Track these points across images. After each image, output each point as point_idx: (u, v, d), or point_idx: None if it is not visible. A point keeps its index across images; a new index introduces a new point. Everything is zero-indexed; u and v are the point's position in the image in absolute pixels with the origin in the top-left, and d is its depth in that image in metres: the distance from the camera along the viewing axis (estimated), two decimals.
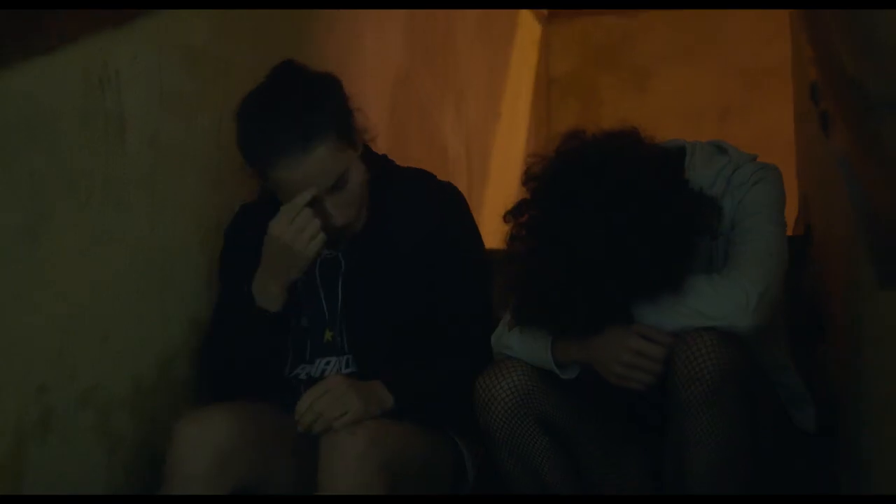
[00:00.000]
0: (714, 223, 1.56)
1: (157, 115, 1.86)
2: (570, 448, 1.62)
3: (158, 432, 1.79)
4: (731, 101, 4.47)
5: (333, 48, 2.59)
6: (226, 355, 1.80)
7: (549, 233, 1.51)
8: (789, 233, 2.68)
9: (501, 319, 1.71)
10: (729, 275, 1.54)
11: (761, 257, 1.56)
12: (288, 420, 1.71)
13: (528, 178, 1.58)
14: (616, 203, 1.46)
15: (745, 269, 1.54)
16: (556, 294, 1.50)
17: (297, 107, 1.72)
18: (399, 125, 3.14)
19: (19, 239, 1.55)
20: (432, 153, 3.39)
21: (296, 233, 1.70)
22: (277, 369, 1.84)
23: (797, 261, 2.43)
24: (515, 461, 1.60)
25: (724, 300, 1.50)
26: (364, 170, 1.80)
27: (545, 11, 4.81)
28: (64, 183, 1.64)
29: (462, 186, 2.19)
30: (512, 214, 1.58)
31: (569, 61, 4.88)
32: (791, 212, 2.56)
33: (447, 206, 1.87)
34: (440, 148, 3.51)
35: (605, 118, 1.74)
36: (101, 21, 1.70)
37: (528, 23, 4.60)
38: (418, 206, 1.85)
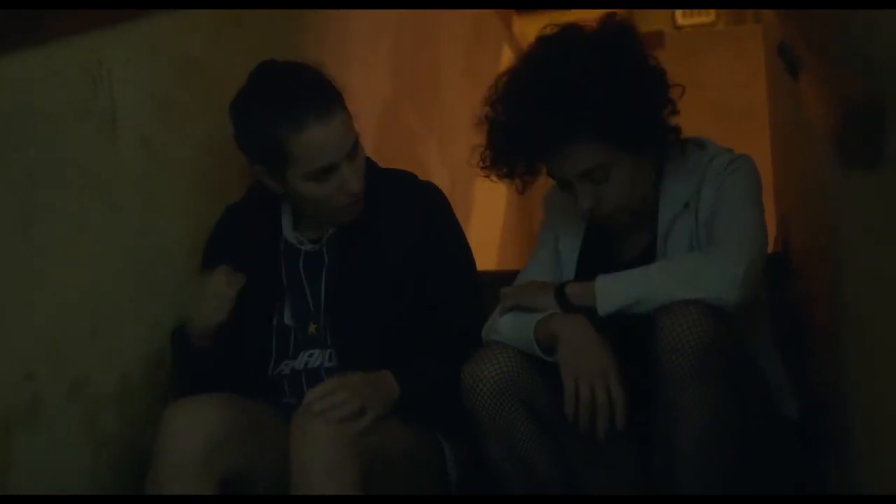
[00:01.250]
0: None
1: (150, 118, 1.90)
2: (556, 434, 1.63)
3: (145, 433, 1.79)
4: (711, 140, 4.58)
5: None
6: (199, 366, 1.82)
7: (515, 67, 1.66)
8: (771, 250, 2.73)
9: (493, 313, 1.73)
10: (715, 251, 1.58)
11: (744, 235, 1.60)
12: (274, 413, 1.72)
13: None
14: (581, 41, 1.62)
15: (730, 246, 1.58)
16: (515, 114, 1.62)
17: (313, 76, 1.80)
18: (385, 157, 3.17)
19: (13, 228, 1.57)
20: None
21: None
22: (261, 369, 1.85)
23: (779, 275, 2.49)
24: (502, 446, 1.60)
25: (712, 272, 1.53)
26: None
27: None
28: (57, 176, 1.66)
29: None
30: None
31: None
32: (771, 232, 2.62)
33: (430, 201, 1.92)
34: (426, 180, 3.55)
35: None
36: (97, 20, 1.74)
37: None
38: (402, 201, 1.89)
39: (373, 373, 1.72)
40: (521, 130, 1.63)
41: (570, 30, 1.67)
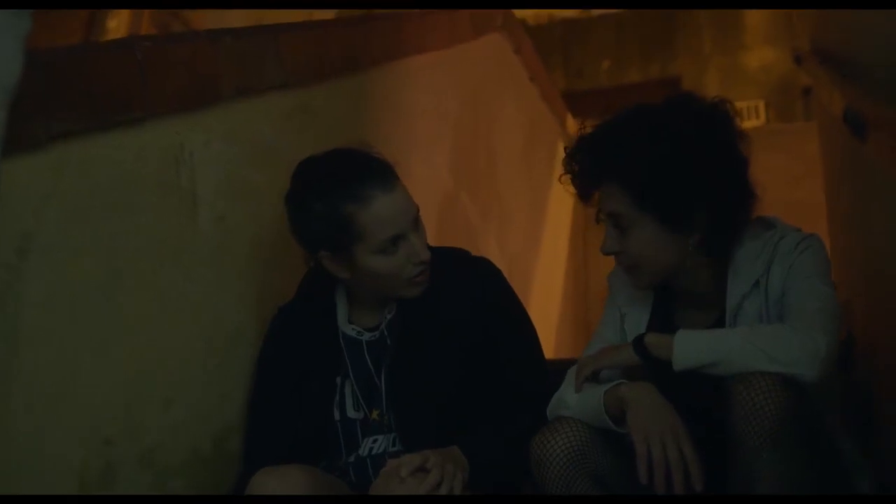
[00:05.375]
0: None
1: (226, 198, 1.97)
2: None
3: None
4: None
5: None
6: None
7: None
8: None
9: (558, 390, 1.75)
10: (797, 325, 1.58)
11: (822, 312, 1.60)
12: (349, 490, 1.75)
13: None
14: (669, 113, 1.72)
15: (811, 322, 1.57)
16: (577, 146, 1.77)
17: (364, 154, 1.85)
18: None
19: (96, 293, 1.63)
20: None
21: None
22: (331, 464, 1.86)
23: (844, 362, 2.47)
24: None
25: (794, 347, 1.53)
26: None
27: None
28: (139, 247, 1.73)
29: None
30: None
31: None
32: None
33: (486, 276, 1.92)
34: None
35: None
36: (179, 105, 1.84)
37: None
38: (458, 278, 1.89)
39: (444, 449, 1.71)
40: (574, 161, 1.79)
41: (672, 102, 1.78)
